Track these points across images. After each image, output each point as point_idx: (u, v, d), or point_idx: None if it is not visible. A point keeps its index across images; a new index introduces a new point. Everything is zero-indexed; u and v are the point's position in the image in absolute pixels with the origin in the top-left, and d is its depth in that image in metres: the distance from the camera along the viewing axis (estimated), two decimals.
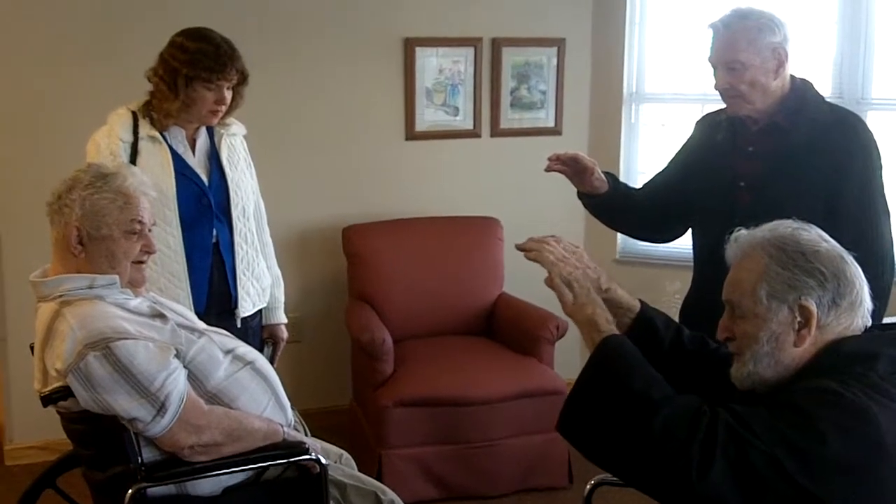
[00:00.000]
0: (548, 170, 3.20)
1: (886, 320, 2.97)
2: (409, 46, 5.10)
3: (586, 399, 1.99)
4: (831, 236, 2.12)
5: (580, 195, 3.31)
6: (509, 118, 5.36)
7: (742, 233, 2.10)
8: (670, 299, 4.47)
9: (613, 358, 2.00)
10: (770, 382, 2.01)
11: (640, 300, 2.39)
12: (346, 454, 3.11)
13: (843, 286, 1.97)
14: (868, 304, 2.01)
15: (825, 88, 4.81)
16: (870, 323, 2.03)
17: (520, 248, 2.27)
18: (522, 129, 5.40)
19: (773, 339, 1.98)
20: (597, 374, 1.99)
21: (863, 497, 1.82)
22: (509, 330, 4.85)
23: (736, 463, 1.78)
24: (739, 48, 2.95)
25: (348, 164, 5.11)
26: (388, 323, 4.60)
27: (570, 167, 3.20)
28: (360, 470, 3.10)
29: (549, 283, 2.19)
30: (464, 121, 5.29)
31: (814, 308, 1.96)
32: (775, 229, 2.05)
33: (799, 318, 1.97)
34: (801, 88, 3.06)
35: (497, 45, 5.25)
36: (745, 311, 2.02)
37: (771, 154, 3.03)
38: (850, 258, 2.01)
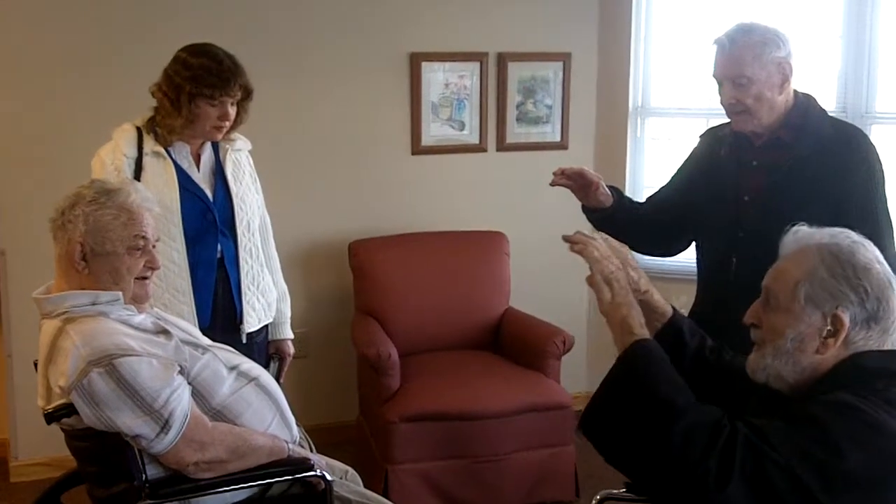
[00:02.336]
0: (553, 184, 3.20)
1: None
2: (415, 61, 5.11)
3: (611, 400, 1.97)
4: None
5: (585, 210, 3.31)
6: (515, 132, 5.37)
7: (804, 228, 2.09)
8: None
9: (643, 361, 1.99)
10: (784, 380, 2.00)
11: (673, 307, 2.40)
12: (351, 470, 3.10)
13: (883, 311, 1.96)
14: None
15: (829, 102, 4.82)
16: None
17: (567, 239, 2.25)
18: (528, 143, 5.40)
19: (797, 340, 1.98)
20: (624, 376, 1.98)
21: None
22: (515, 344, 4.84)
23: (754, 477, 1.77)
24: (745, 63, 2.95)
25: (354, 179, 5.12)
26: (395, 338, 4.59)
27: (575, 182, 3.20)
28: (366, 485, 3.10)
29: (590, 280, 2.18)
30: (470, 135, 5.30)
31: (847, 322, 1.95)
32: (836, 236, 2.04)
33: (829, 328, 1.96)
34: (805, 103, 3.06)
35: (503, 59, 5.26)
36: (780, 303, 2.01)
37: (774, 168, 3.02)
38: None
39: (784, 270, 2.04)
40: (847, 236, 2.04)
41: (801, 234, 2.08)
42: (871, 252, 2.03)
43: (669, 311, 2.38)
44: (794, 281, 1.99)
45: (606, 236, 2.30)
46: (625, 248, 2.32)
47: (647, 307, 2.35)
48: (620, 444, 1.93)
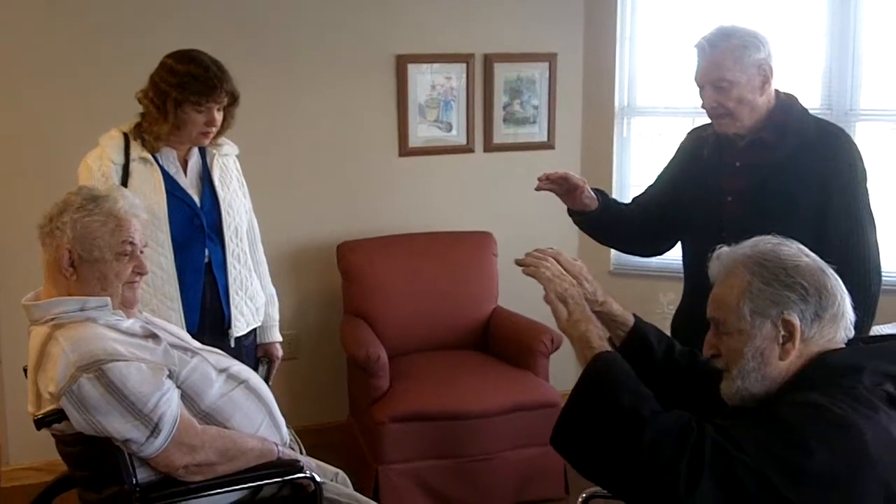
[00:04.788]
0: (538, 189, 3.22)
1: (875, 329, 3.00)
2: (402, 63, 5.12)
3: (578, 414, 2.01)
4: (818, 249, 2.15)
5: (570, 213, 3.33)
6: (502, 133, 5.39)
7: (724, 250, 2.13)
8: (664, 310, 4.50)
9: (605, 374, 2.03)
10: (759, 397, 2.03)
11: (635, 314, 2.42)
12: (341, 473, 3.12)
13: (825, 299, 2.00)
14: (850, 315, 2.04)
15: (814, 100, 4.85)
16: (852, 334, 2.06)
17: (519, 263, 2.30)
18: (515, 143, 5.42)
19: (758, 355, 2.01)
20: (588, 390, 2.02)
21: None
22: (504, 343, 4.86)
23: (723, 478, 1.79)
24: (725, 67, 2.98)
25: (342, 181, 5.14)
26: (384, 339, 4.61)
27: (560, 186, 3.22)
28: (357, 485, 3.12)
29: (545, 299, 2.22)
30: (457, 136, 5.31)
31: (797, 322, 1.98)
32: (756, 245, 2.08)
33: (783, 333, 1.99)
34: (786, 103, 3.08)
35: (489, 60, 5.27)
36: (730, 327, 2.04)
37: (757, 169, 3.05)
38: (830, 271, 2.04)
39: (722, 296, 2.07)
40: (766, 242, 2.08)
41: (724, 256, 2.11)
42: (793, 248, 2.07)
43: (631, 319, 2.40)
44: (734, 302, 2.03)
45: (559, 251, 2.32)
46: (579, 262, 2.34)
47: (608, 317, 2.38)
48: (591, 456, 1.97)
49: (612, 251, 5.33)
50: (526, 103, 5.39)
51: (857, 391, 1.91)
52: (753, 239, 2.10)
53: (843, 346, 2.04)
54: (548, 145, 5.47)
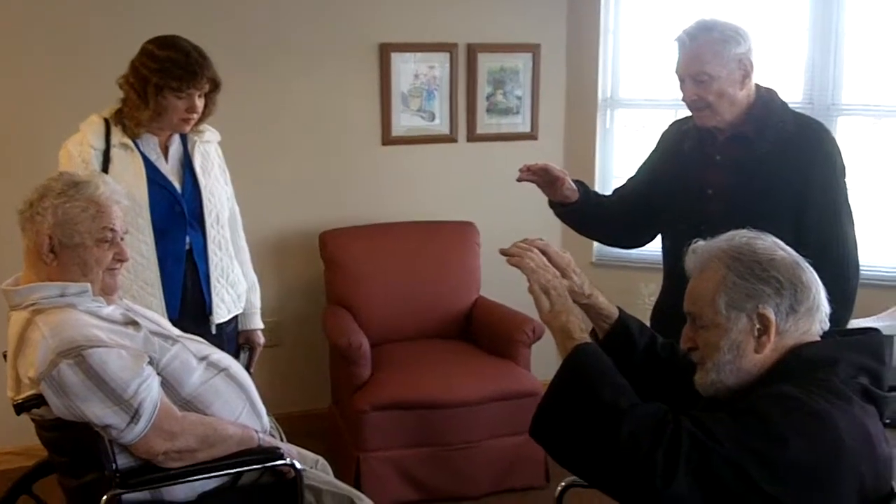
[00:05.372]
0: (519, 180, 3.23)
1: (853, 323, 3.02)
2: (385, 52, 5.12)
3: (557, 405, 2.03)
4: (798, 242, 2.17)
5: (551, 204, 3.35)
6: (486, 123, 5.39)
7: (700, 244, 2.14)
8: (645, 302, 4.51)
9: (584, 366, 2.04)
10: (733, 389, 2.05)
11: (619, 307, 2.44)
12: (321, 459, 3.13)
13: (800, 292, 2.01)
14: (826, 308, 2.06)
15: (796, 94, 4.88)
16: (828, 326, 2.08)
17: (504, 252, 2.32)
18: (499, 133, 5.43)
19: (734, 348, 2.03)
20: (567, 382, 2.04)
21: (823, 499, 1.85)
22: (486, 333, 4.88)
23: (699, 470, 1.81)
24: (705, 60, 2.99)
25: (325, 170, 5.13)
26: (366, 327, 4.62)
27: (541, 177, 3.23)
28: (338, 472, 3.13)
29: (529, 290, 2.24)
30: (440, 126, 5.32)
31: (772, 315, 2.00)
32: (731, 239, 2.09)
33: (758, 326, 2.01)
34: (767, 97, 3.10)
35: (473, 50, 5.28)
36: (706, 321, 2.06)
37: (737, 163, 3.06)
38: (805, 264, 2.05)
39: (698, 290, 2.09)
40: (742, 236, 2.10)
41: (699, 250, 2.13)
42: (768, 241, 2.08)
43: (616, 312, 2.42)
44: (710, 297, 2.05)
45: (547, 244, 2.34)
46: (567, 255, 2.36)
47: (594, 310, 2.41)
48: (569, 446, 1.99)
49: (595, 243, 5.35)
50: (509, 94, 5.40)
51: (831, 383, 1.94)
52: (729, 233, 2.12)
53: (819, 338, 2.05)
54: (531, 136, 5.48)
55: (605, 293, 2.44)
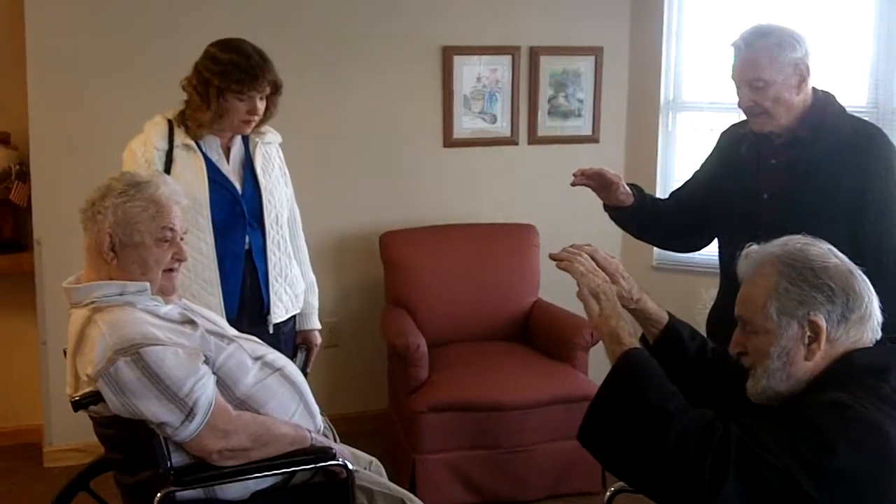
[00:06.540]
0: (573, 184, 3.23)
1: None
2: (448, 55, 5.13)
3: (605, 410, 2.03)
4: (853, 248, 2.13)
5: (606, 208, 3.34)
6: (547, 126, 5.38)
7: (753, 248, 2.13)
8: (706, 306, 4.47)
9: (633, 371, 2.04)
10: (784, 396, 2.03)
11: (668, 312, 2.42)
12: (375, 461, 3.14)
13: (853, 300, 1.99)
14: (878, 317, 2.03)
15: (860, 98, 4.79)
16: (880, 335, 2.04)
17: (553, 257, 2.32)
18: (560, 136, 5.42)
19: (783, 354, 2.01)
20: (615, 387, 2.03)
21: None
22: (544, 336, 4.87)
23: (748, 478, 1.80)
24: (761, 66, 2.96)
25: (386, 171, 5.16)
26: (424, 328, 4.64)
27: (596, 181, 3.23)
28: (393, 474, 3.14)
29: (578, 294, 2.24)
30: (501, 128, 5.32)
31: (823, 323, 1.98)
32: (785, 245, 2.07)
33: (809, 333, 1.99)
34: (823, 101, 3.06)
35: (535, 53, 5.27)
36: (757, 326, 2.04)
37: (793, 167, 3.03)
38: (859, 273, 2.03)
39: (750, 295, 2.07)
40: (796, 241, 2.08)
41: (753, 255, 2.11)
42: (822, 248, 2.06)
43: (665, 317, 2.41)
44: (761, 302, 2.03)
45: (595, 248, 2.33)
46: (615, 259, 2.35)
47: (643, 315, 2.40)
48: (617, 452, 1.98)
49: (655, 247, 5.31)
50: (571, 96, 5.38)
51: (882, 391, 1.91)
52: (783, 238, 2.10)
53: (871, 346, 2.02)
54: (592, 139, 5.45)
55: (665, 297, 2.43)
